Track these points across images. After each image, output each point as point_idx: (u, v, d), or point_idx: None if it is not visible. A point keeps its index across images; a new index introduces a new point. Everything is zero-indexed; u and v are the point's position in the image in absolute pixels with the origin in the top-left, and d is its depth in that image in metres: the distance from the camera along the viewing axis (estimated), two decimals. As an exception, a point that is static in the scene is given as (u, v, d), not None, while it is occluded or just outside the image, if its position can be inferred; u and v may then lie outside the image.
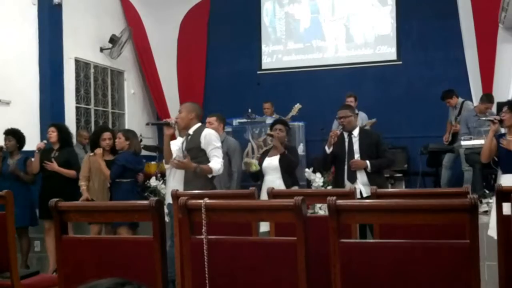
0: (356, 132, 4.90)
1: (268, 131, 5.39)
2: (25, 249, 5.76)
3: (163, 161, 5.06)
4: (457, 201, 2.10)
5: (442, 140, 7.77)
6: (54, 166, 5.61)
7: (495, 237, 3.26)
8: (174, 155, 4.54)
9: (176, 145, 4.73)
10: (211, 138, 4.36)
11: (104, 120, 9.22)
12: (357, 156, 4.78)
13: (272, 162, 5.22)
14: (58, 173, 5.65)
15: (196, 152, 4.32)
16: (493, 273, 2.85)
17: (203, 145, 4.33)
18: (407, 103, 9.02)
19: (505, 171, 4.37)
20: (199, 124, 4.50)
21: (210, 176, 4.32)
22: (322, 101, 8.88)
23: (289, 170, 5.23)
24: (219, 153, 4.38)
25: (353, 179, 4.73)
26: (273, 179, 5.12)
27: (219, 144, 4.43)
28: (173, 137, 4.94)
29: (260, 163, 5.36)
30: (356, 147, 4.82)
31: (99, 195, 5.50)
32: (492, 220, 4.08)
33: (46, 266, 5.78)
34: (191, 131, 4.43)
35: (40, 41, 7.56)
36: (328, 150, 4.84)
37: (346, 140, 4.87)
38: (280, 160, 5.17)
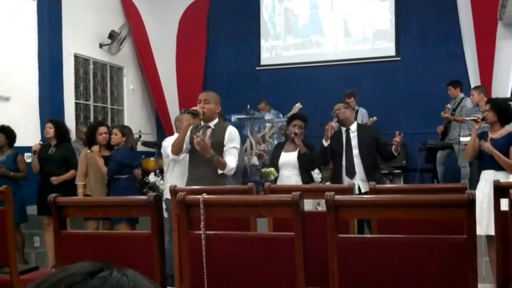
0: (353, 127, 4.89)
1: (291, 128, 4.99)
2: (19, 245, 5.77)
3: (169, 150, 4.43)
4: (455, 196, 2.11)
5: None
6: (59, 179, 5.64)
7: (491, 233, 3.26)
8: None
9: (172, 141, 4.46)
10: (235, 137, 4.17)
11: (103, 116, 9.21)
12: (356, 151, 4.77)
13: (289, 158, 4.95)
14: (56, 169, 5.68)
15: (217, 147, 4.08)
16: (490, 269, 2.86)
17: (225, 141, 4.11)
18: (405, 99, 9.01)
19: (486, 167, 4.39)
20: (217, 119, 4.27)
21: (220, 172, 4.07)
22: (321, 97, 8.85)
23: (308, 168, 5.03)
24: (237, 154, 4.17)
25: (351, 175, 4.72)
26: (290, 175, 4.90)
27: (238, 145, 4.25)
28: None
29: (275, 157, 5.08)
30: (354, 142, 4.81)
31: (96, 192, 5.49)
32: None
33: (46, 261, 5.79)
34: (212, 124, 4.17)
35: (39, 36, 7.55)
36: (326, 143, 4.81)
37: (344, 135, 4.86)
38: (299, 157, 4.91)
